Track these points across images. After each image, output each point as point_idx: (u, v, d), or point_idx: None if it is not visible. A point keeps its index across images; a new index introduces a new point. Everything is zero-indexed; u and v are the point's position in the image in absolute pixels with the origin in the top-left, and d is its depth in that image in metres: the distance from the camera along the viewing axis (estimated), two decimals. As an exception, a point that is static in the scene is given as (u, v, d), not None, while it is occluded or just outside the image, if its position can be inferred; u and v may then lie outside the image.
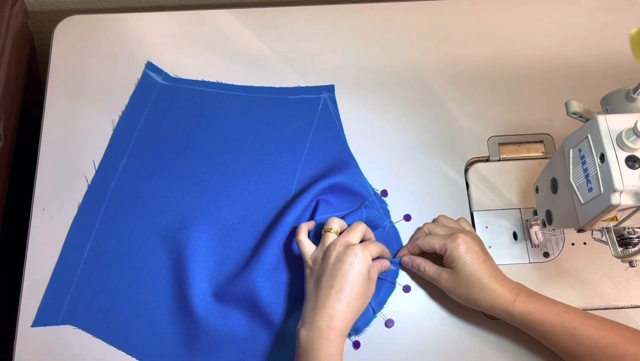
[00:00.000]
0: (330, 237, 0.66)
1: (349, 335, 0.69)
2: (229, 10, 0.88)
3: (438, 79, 0.83)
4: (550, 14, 0.88)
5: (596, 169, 0.54)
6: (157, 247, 0.73)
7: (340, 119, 0.81)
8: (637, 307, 0.70)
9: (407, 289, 0.72)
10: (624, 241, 0.60)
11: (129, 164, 0.77)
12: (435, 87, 0.83)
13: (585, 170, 0.56)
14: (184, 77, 0.83)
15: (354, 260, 0.63)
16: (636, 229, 0.59)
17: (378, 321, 0.70)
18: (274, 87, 0.83)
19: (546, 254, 0.73)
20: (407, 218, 0.75)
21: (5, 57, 0.80)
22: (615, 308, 0.70)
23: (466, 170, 0.78)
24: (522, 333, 0.66)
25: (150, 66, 0.83)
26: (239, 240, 0.73)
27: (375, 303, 0.70)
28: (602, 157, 0.53)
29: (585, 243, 0.73)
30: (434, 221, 0.74)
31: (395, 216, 0.75)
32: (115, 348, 0.68)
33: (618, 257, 0.59)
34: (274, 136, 0.79)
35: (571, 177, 0.58)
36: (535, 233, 0.72)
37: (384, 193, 0.77)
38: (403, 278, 0.72)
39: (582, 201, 0.56)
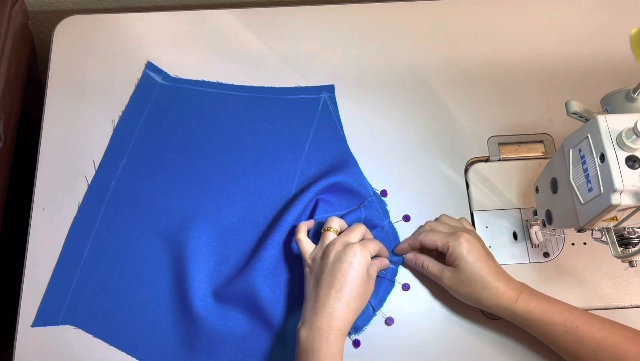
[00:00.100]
0: (329, 236, 0.66)
1: (349, 334, 0.69)
2: (229, 10, 0.88)
3: (438, 79, 0.83)
4: (550, 14, 0.88)
5: (596, 169, 0.54)
6: (157, 247, 0.73)
7: (340, 119, 0.81)
8: (637, 307, 0.70)
9: (406, 287, 0.72)
10: (624, 241, 0.60)
11: (129, 164, 0.77)
12: (435, 87, 0.83)
13: (585, 170, 0.56)
14: (184, 77, 0.83)
15: (353, 259, 0.62)
16: (636, 229, 0.59)
17: (378, 320, 0.70)
18: (274, 87, 0.83)
19: (546, 254, 0.73)
20: (407, 218, 0.75)
21: (5, 57, 0.80)
22: (615, 308, 0.70)
23: (466, 170, 0.78)
24: (522, 332, 0.66)
25: (150, 66, 0.83)
26: (239, 240, 0.73)
27: (374, 302, 0.70)
28: (602, 157, 0.53)
29: (585, 243, 0.73)
30: (436, 220, 0.74)
31: (395, 216, 0.75)
32: (115, 348, 0.68)
33: (618, 257, 0.59)
34: (274, 136, 0.79)
35: (571, 177, 0.58)
36: (535, 233, 0.72)
37: (384, 192, 0.77)
38: (402, 276, 0.72)
39: (582, 201, 0.56)
